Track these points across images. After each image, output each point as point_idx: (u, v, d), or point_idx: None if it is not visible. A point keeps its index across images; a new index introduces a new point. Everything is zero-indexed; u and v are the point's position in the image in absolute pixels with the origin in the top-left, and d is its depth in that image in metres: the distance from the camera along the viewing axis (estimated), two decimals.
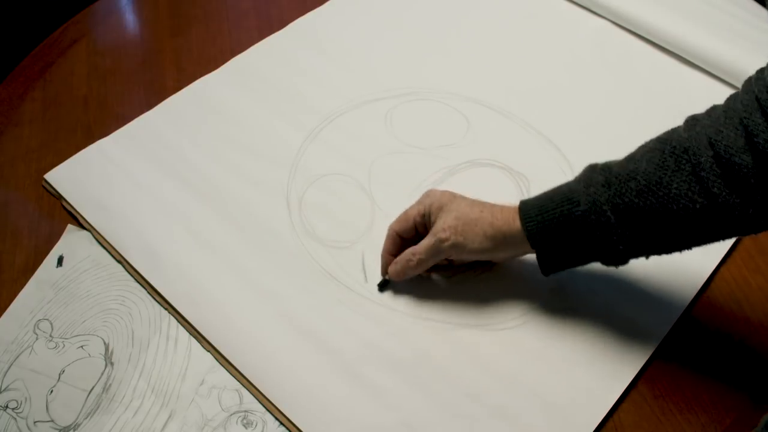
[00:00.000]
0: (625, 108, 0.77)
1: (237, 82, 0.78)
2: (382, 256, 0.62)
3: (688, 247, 0.53)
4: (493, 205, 0.58)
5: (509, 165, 0.71)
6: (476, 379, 0.57)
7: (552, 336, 0.59)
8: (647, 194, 0.50)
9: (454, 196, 0.59)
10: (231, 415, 0.55)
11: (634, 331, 0.60)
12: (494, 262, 0.62)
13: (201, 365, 0.58)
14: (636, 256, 0.54)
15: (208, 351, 0.59)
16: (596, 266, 0.56)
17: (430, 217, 0.58)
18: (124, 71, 0.81)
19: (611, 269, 0.56)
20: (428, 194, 0.60)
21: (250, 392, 0.56)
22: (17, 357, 0.58)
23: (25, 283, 0.62)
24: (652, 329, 0.60)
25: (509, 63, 0.81)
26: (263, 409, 0.56)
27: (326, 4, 0.87)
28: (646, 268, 0.63)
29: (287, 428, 0.55)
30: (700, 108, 0.55)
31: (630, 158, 0.53)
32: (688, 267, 0.63)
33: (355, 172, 0.70)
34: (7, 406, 0.56)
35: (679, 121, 0.54)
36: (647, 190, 0.50)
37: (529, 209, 0.55)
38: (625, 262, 0.54)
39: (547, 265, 0.57)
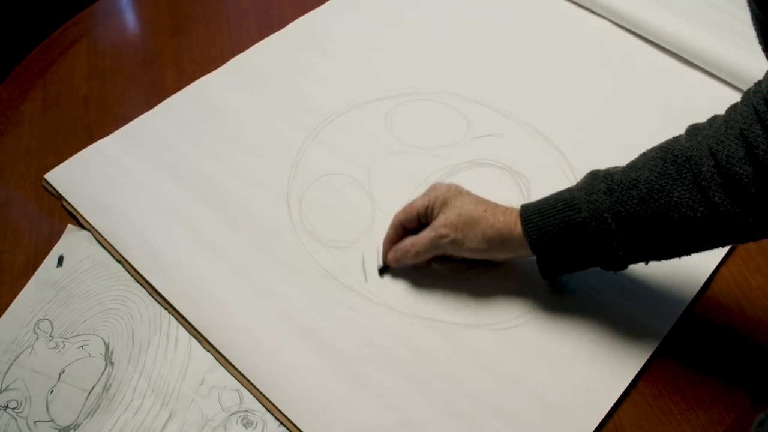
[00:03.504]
0: (625, 108, 0.77)
1: (237, 82, 0.78)
2: (383, 243, 0.63)
3: (687, 253, 0.53)
4: (496, 206, 0.58)
5: (509, 165, 0.71)
6: (476, 379, 0.57)
7: (552, 336, 0.59)
8: (648, 202, 0.50)
9: (459, 192, 0.59)
10: (231, 415, 0.55)
11: (634, 331, 0.60)
12: (492, 261, 0.62)
13: (201, 365, 0.58)
14: (635, 261, 0.55)
15: (208, 351, 0.59)
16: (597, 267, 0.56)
17: (433, 210, 0.59)
18: (124, 71, 0.81)
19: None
20: (434, 188, 0.60)
21: (250, 392, 0.56)
22: (17, 357, 0.58)
23: (25, 283, 0.62)
24: (653, 329, 0.60)
25: (509, 63, 0.81)
26: (263, 409, 0.56)
27: (326, 4, 0.87)
28: (647, 268, 0.63)
29: (287, 428, 0.55)
30: (699, 108, 0.55)
31: (631, 166, 0.53)
32: (689, 267, 0.63)
33: (355, 172, 0.70)
34: (7, 406, 0.56)
35: (678, 121, 0.54)
36: (649, 198, 0.50)
37: (531, 214, 0.55)
38: (624, 267, 0.55)
39: (547, 269, 0.57)
